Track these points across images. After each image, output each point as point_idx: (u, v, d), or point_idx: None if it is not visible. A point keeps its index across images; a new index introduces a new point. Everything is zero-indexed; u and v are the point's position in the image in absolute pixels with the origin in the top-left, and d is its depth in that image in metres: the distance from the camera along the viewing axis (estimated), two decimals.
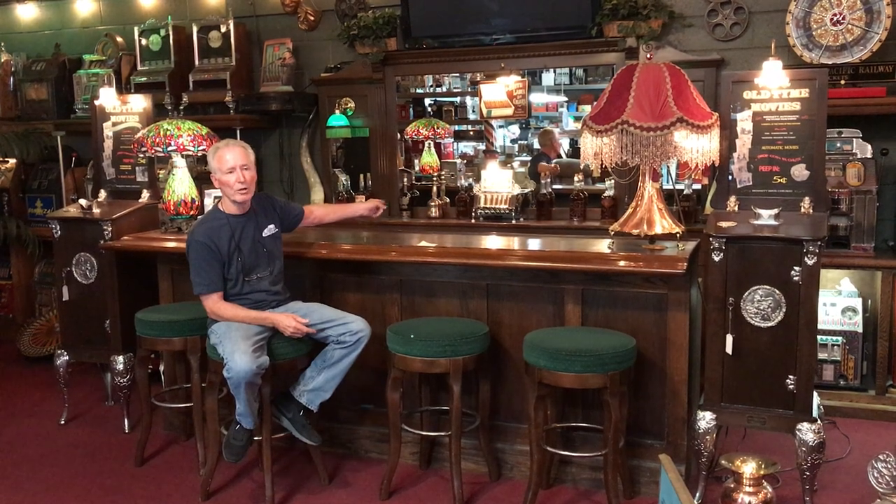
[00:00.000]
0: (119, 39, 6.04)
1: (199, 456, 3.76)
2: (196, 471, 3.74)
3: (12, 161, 6.02)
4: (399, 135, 5.47)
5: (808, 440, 3.11)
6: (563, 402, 3.54)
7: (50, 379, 4.76)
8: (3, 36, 6.49)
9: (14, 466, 3.92)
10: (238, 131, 5.35)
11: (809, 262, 3.07)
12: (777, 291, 3.14)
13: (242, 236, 3.44)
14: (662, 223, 3.36)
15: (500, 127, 6.43)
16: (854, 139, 4.31)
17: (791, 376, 3.15)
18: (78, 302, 4.38)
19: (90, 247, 4.29)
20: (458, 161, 5.72)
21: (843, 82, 4.27)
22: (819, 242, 3.06)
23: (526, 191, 5.07)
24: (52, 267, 5.35)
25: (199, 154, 4.05)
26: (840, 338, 4.29)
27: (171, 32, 5.65)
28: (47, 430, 4.37)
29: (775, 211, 3.17)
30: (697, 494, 3.29)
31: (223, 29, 5.54)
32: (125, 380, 4.23)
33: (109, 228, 4.18)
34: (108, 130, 4.61)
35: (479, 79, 5.59)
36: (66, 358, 4.42)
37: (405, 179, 5.45)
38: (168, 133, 3.92)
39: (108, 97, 4.54)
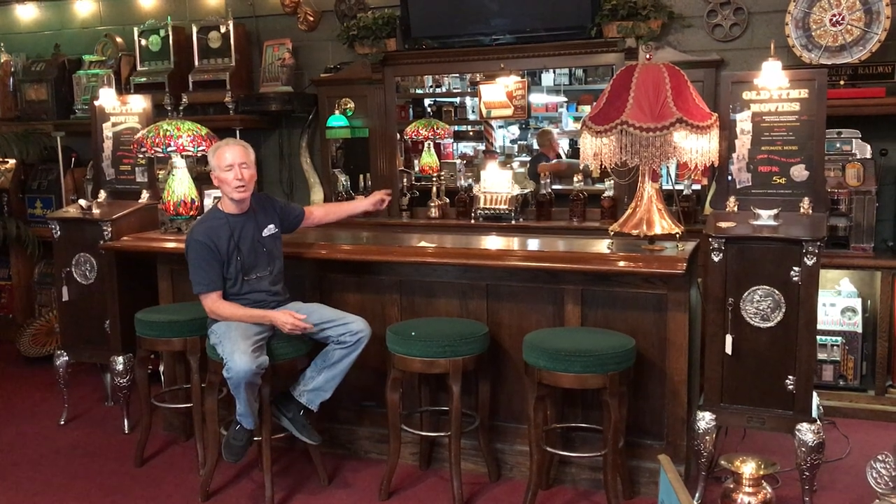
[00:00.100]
0: (119, 40, 6.04)
1: (198, 456, 3.76)
2: (196, 471, 3.75)
3: (12, 161, 6.02)
4: (399, 135, 5.47)
5: (807, 440, 3.12)
6: (563, 402, 3.54)
7: (50, 379, 4.76)
8: (2, 36, 6.49)
9: (14, 467, 3.92)
10: (238, 132, 5.35)
11: (809, 262, 3.07)
12: (776, 292, 3.14)
13: (242, 236, 3.44)
14: (662, 223, 3.37)
15: (500, 127, 6.43)
16: (853, 139, 4.31)
17: (790, 377, 3.15)
18: (78, 302, 4.38)
19: (90, 247, 4.29)
20: (458, 161, 5.72)
21: (842, 83, 4.27)
22: (818, 243, 3.06)
23: (525, 191, 5.07)
24: (51, 267, 5.35)
25: (199, 154, 4.06)
26: (839, 338, 4.29)
27: (170, 33, 5.65)
28: (47, 431, 4.37)
29: (775, 211, 3.17)
30: (697, 495, 3.29)
31: (223, 29, 5.54)
32: (125, 380, 4.23)
33: (109, 229, 4.18)
34: (107, 131, 4.61)
35: (478, 79, 5.59)
36: (66, 358, 4.42)
37: (405, 180, 5.45)
38: (168, 133, 3.92)
39: (107, 98, 4.55)
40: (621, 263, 3.30)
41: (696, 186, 4.66)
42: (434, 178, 5.31)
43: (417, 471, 3.74)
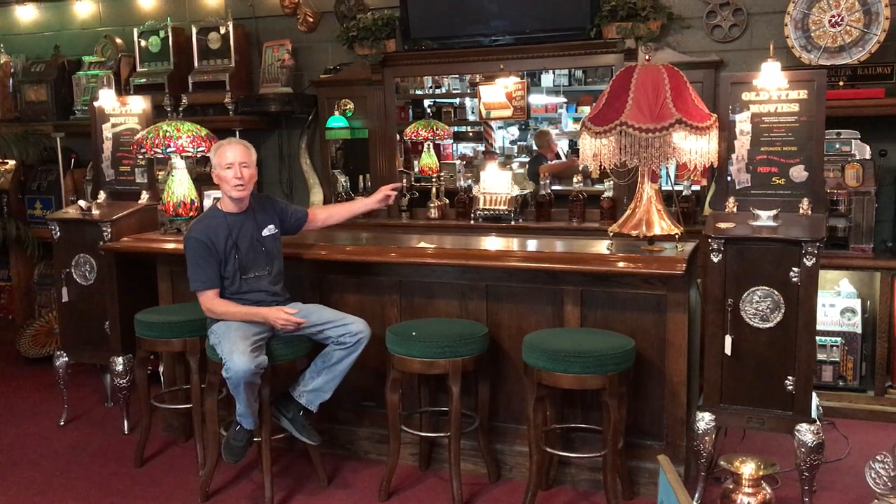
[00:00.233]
0: (118, 41, 6.05)
1: (198, 457, 3.76)
2: (195, 472, 3.75)
3: (12, 162, 6.02)
4: (398, 136, 5.47)
5: (806, 441, 3.12)
6: (563, 403, 3.55)
7: (49, 380, 4.77)
8: (2, 37, 6.50)
9: (13, 467, 3.92)
10: (237, 133, 5.35)
11: (808, 262, 3.07)
12: (776, 292, 3.14)
13: (240, 235, 3.45)
14: (661, 224, 3.37)
15: (500, 128, 6.43)
16: (853, 140, 4.31)
17: (790, 377, 3.15)
18: (77, 303, 4.38)
19: (89, 248, 4.29)
20: (458, 162, 5.72)
21: (841, 84, 4.28)
22: (818, 243, 3.07)
23: (525, 192, 5.07)
24: (51, 268, 5.36)
25: (199, 155, 4.06)
26: (839, 339, 4.29)
27: (170, 34, 5.65)
28: (47, 431, 4.37)
29: (774, 212, 3.17)
30: (696, 495, 3.29)
31: (222, 30, 5.54)
32: (124, 381, 4.23)
33: (109, 230, 4.18)
34: (107, 132, 4.61)
35: (478, 80, 5.59)
36: (66, 359, 4.42)
37: (404, 180, 5.45)
38: (167, 134, 3.92)
39: (107, 98, 4.55)
40: (621, 264, 3.30)
41: (696, 187, 4.67)
42: (434, 179, 5.31)
43: (417, 471, 3.74)
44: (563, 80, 6.38)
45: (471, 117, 6.15)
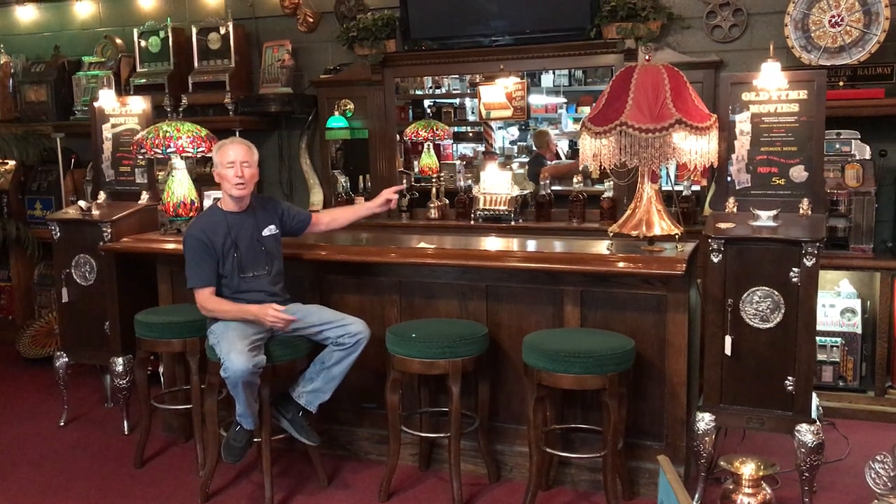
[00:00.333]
0: (118, 41, 6.05)
1: (198, 457, 3.77)
2: (195, 472, 3.75)
3: (12, 163, 6.02)
4: (398, 136, 5.48)
5: (807, 441, 3.12)
6: (563, 403, 3.54)
7: (49, 381, 4.77)
8: (2, 38, 6.50)
9: (13, 467, 3.92)
10: (237, 133, 5.34)
11: (808, 263, 3.07)
12: (776, 293, 3.14)
13: (240, 234, 3.46)
14: (661, 224, 3.37)
15: (500, 128, 6.43)
16: (853, 140, 4.31)
17: (790, 377, 3.15)
18: (77, 304, 4.38)
19: (89, 248, 4.29)
20: (458, 162, 5.72)
21: (841, 84, 4.28)
22: (818, 244, 3.07)
23: (525, 192, 5.07)
24: (51, 269, 5.36)
25: (199, 156, 4.06)
26: (839, 339, 4.29)
27: (170, 34, 5.65)
28: (47, 432, 4.37)
29: (774, 212, 3.17)
30: (696, 496, 3.29)
31: (222, 31, 5.54)
32: (124, 381, 4.22)
33: (109, 230, 4.18)
34: (107, 132, 4.61)
35: (478, 80, 5.59)
36: (66, 359, 4.42)
37: (404, 181, 5.45)
38: (167, 135, 3.92)
39: (107, 99, 4.54)
40: (621, 264, 3.30)
41: (696, 187, 4.67)
42: (433, 180, 5.31)
43: (417, 472, 3.74)
44: (563, 80, 6.38)
45: (471, 118, 6.15)
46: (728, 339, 3.19)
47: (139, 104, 4.53)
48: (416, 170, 5.64)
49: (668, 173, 3.86)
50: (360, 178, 5.43)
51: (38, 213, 5.94)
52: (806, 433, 3.12)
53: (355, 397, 3.85)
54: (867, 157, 4.29)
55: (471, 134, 6.43)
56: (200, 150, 3.96)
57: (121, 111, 4.56)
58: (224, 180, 3.44)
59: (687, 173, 4.25)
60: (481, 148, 6.33)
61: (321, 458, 3.67)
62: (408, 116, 5.95)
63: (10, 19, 6.51)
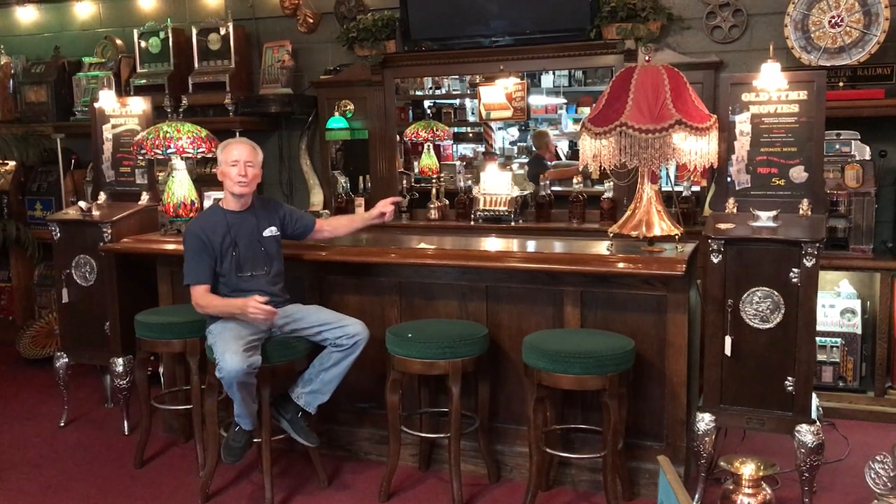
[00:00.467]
0: (118, 42, 6.05)
1: (198, 458, 3.77)
2: (195, 473, 3.75)
3: (12, 163, 6.02)
4: (398, 137, 5.48)
5: (806, 442, 3.12)
6: (563, 403, 3.55)
7: (49, 381, 4.76)
8: (2, 38, 6.50)
9: (13, 468, 3.92)
10: (237, 133, 5.34)
11: (808, 263, 3.07)
12: (776, 293, 3.14)
13: (239, 233, 3.47)
14: (661, 225, 3.37)
15: (499, 129, 6.44)
16: (852, 141, 4.31)
17: (790, 378, 3.16)
18: (77, 304, 4.38)
19: (90, 249, 4.29)
20: (458, 163, 5.72)
21: (841, 84, 4.28)
22: (818, 244, 3.07)
23: (525, 193, 5.08)
24: (51, 269, 5.36)
25: (199, 156, 4.06)
26: (839, 339, 4.29)
27: (170, 35, 5.65)
28: (47, 432, 4.37)
29: (774, 213, 3.17)
30: (696, 496, 3.29)
31: (222, 31, 5.54)
32: (125, 382, 4.23)
33: (109, 231, 4.18)
34: (107, 133, 4.61)
35: (478, 81, 5.60)
36: (66, 360, 4.42)
37: (404, 181, 5.46)
38: (167, 135, 3.92)
39: (107, 99, 4.54)
40: (621, 265, 3.30)
41: (696, 188, 4.67)
42: (434, 180, 5.32)
43: (417, 472, 3.74)
44: (562, 80, 6.38)
45: (471, 118, 6.15)
46: (728, 340, 3.19)
47: (139, 105, 4.53)
48: (416, 170, 5.64)
49: (667, 174, 3.87)
50: (361, 178, 5.43)
51: (38, 213, 5.94)
52: (806, 433, 3.12)
53: (356, 398, 3.85)
54: (867, 157, 4.29)
55: (471, 134, 6.43)
56: (200, 150, 3.97)
57: (121, 112, 4.56)
58: (226, 178, 3.46)
59: (687, 174, 4.26)
60: (481, 148, 6.33)
61: (321, 458, 3.67)
62: (408, 117, 5.96)
63: (11, 20, 6.52)
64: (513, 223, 4.91)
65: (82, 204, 4.34)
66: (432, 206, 5.24)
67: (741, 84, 3.39)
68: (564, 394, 3.46)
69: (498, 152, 6.33)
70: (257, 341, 3.33)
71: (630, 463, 3.44)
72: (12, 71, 6.22)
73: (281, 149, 5.79)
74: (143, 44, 5.74)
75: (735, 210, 3.35)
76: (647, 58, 3.42)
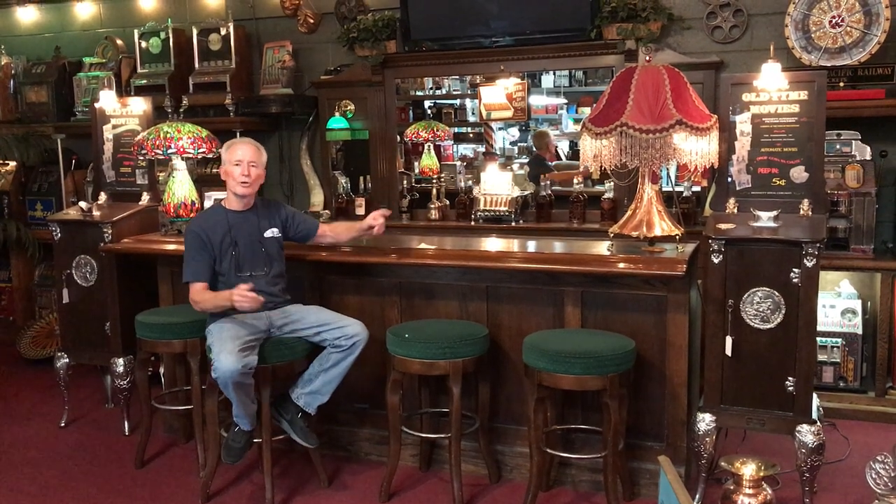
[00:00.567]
0: (119, 42, 6.05)
1: (199, 458, 3.76)
2: (196, 473, 3.75)
3: (12, 164, 6.03)
4: (399, 137, 5.48)
5: (807, 442, 3.12)
6: (563, 404, 3.54)
7: (50, 381, 4.76)
8: (3, 39, 6.50)
9: (14, 468, 3.92)
10: (238, 134, 5.34)
11: (808, 263, 3.07)
12: (776, 293, 3.14)
13: (240, 232, 3.48)
14: (662, 225, 3.37)
15: (500, 129, 6.44)
16: (853, 141, 4.31)
17: (790, 378, 3.15)
18: (78, 304, 4.38)
19: (90, 249, 4.29)
20: (458, 163, 5.73)
21: (842, 84, 4.28)
22: (818, 244, 3.07)
23: (525, 193, 5.07)
24: (52, 269, 5.36)
25: (199, 157, 4.06)
26: (839, 339, 4.29)
27: (170, 35, 5.65)
28: (47, 433, 4.37)
29: (774, 213, 3.17)
30: (697, 496, 3.29)
31: (223, 31, 5.54)
32: (125, 382, 4.22)
33: (109, 231, 4.18)
34: (108, 133, 4.61)
35: (478, 81, 5.60)
36: (66, 360, 4.42)
37: (405, 182, 5.45)
38: (168, 136, 3.92)
39: (108, 100, 4.54)
40: (621, 265, 3.30)
41: (696, 188, 4.67)
42: (434, 180, 5.32)
43: (418, 472, 3.74)
44: (563, 81, 6.38)
45: (471, 118, 6.15)
46: (728, 340, 3.19)
47: (140, 105, 4.53)
48: (417, 171, 5.64)
49: (668, 174, 3.87)
50: (361, 178, 5.43)
51: (38, 214, 5.94)
52: (806, 434, 3.12)
53: (356, 398, 3.85)
54: (867, 157, 4.29)
55: (471, 135, 6.43)
56: (201, 150, 3.97)
57: (121, 112, 4.57)
58: (229, 177, 3.47)
59: (687, 174, 4.25)
60: (482, 149, 6.34)
61: (322, 458, 3.67)
62: (408, 117, 5.96)
63: (11, 20, 6.52)
64: (513, 223, 4.91)
65: (83, 204, 4.34)
66: (433, 206, 5.24)
67: (742, 84, 3.39)
68: (565, 394, 3.46)
69: (498, 152, 6.33)
70: (255, 342, 3.33)
71: (631, 463, 3.44)
72: (13, 71, 6.23)
73: (281, 149, 5.79)
74: (143, 44, 5.74)
75: (736, 210, 3.35)
76: (647, 58, 3.42)
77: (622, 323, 3.42)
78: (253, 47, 5.73)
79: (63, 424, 4.45)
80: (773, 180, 3.35)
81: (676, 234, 3.37)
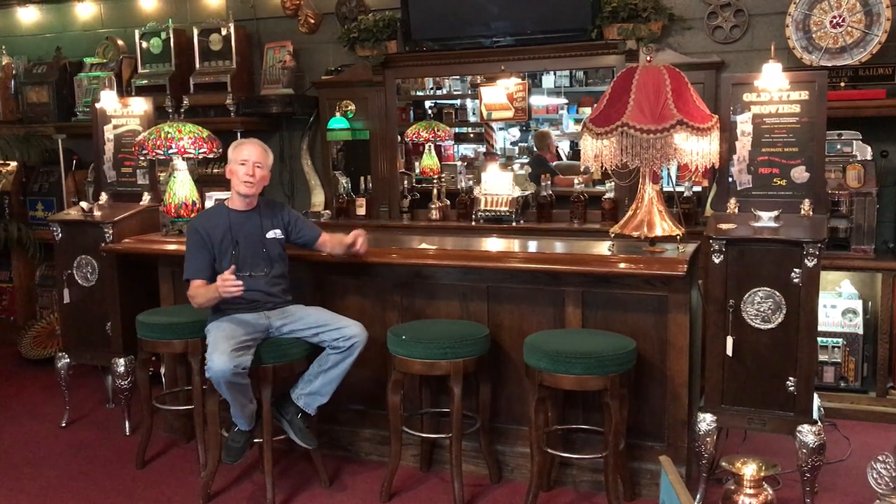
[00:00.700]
0: (120, 42, 6.05)
1: (199, 458, 3.77)
2: (197, 473, 3.75)
3: (13, 164, 6.03)
4: (399, 137, 5.48)
5: (808, 442, 3.11)
6: (564, 404, 3.54)
7: (51, 381, 4.76)
8: (4, 39, 6.51)
9: (14, 468, 3.92)
10: (238, 134, 5.35)
11: (809, 263, 3.07)
12: (777, 293, 3.14)
13: (241, 232, 3.48)
14: (663, 225, 3.37)
15: (501, 129, 6.43)
16: (854, 141, 4.31)
17: (791, 378, 3.15)
18: (79, 304, 4.38)
19: (91, 249, 4.30)
20: (459, 163, 5.72)
21: (842, 84, 4.28)
22: (819, 244, 3.06)
23: (526, 193, 5.07)
24: (53, 269, 5.36)
25: (200, 157, 4.06)
26: (840, 339, 4.29)
27: (171, 35, 5.66)
28: (48, 433, 4.37)
29: (775, 213, 3.17)
30: (698, 496, 3.29)
31: (224, 32, 5.55)
32: (126, 382, 4.23)
33: (110, 231, 4.19)
34: (108, 133, 4.61)
35: (479, 81, 5.60)
36: (67, 360, 4.42)
37: (405, 182, 5.45)
38: (169, 136, 3.92)
39: (108, 100, 4.55)
40: (622, 265, 3.30)
41: (697, 188, 4.67)
42: (435, 180, 5.32)
43: (418, 473, 3.74)
44: (564, 81, 6.37)
45: (472, 118, 6.15)
46: (729, 340, 3.19)
47: (141, 105, 4.54)
48: (418, 171, 5.64)
49: (669, 174, 3.87)
50: (362, 179, 5.44)
51: (39, 214, 5.95)
52: (807, 434, 3.12)
53: (357, 398, 3.85)
54: (868, 157, 4.29)
55: (472, 135, 6.43)
56: (202, 151, 3.97)
57: (122, 112, 4.57)
58: (234, 176, 3.49)
59: (688, 174, 4.24)
60: (482, 149, 6.33)
61: (322, 458, 3.67)
62: (409, 117, 5.96)
63: (12, 20, 6.52)
64: (514, 223, 4.91)
65: (84, 204, 4.35)
66: (433, 206, 5.24)
67: (742, 84, 3.39)
68: (565, 394, 3.46)
69: (499, 152, 6.33)
70: (251, 342, 3.33)
71: (631, 463, 3.44)
72: (14, 71, 6.23)
73: (282, 149, 5.79)
74: (144, 44, 5.74)
75: (736, 210, 3.35)
76: (648, 58, 3.43)
77: (623, 323, 3.42)
78: (254, 47, 5.73)
79: (64, 424, 4.45)
80: (774, 180, 3.34)
81: (677, 235, 3.37)
